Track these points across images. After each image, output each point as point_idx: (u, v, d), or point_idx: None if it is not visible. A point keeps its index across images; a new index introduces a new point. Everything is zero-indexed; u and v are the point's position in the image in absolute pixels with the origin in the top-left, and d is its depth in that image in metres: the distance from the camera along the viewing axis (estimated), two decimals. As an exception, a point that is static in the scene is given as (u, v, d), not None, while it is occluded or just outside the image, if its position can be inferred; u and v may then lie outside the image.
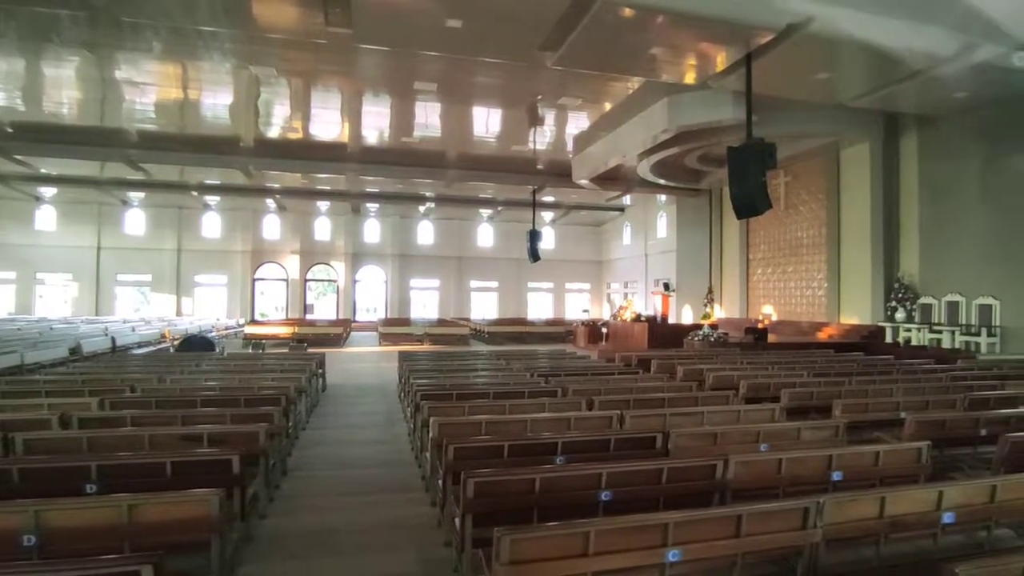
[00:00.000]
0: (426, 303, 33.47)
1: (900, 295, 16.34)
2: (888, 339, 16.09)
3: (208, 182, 25.41)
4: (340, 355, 18.22)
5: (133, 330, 19.57)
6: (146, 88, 15.11)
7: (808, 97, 13.90)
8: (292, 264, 32.02)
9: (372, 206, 31.05)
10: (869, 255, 17.15)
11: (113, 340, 16.92)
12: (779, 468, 4.07)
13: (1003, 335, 14.20)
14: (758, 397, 7.17)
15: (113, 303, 30.22)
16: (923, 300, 15.97)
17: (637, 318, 19.79)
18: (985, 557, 2.70)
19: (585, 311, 27.73)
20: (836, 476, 4.13)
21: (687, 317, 24.72)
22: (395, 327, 24.20)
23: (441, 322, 26.52)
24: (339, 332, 22.99)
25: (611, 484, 3.72)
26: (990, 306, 14.51)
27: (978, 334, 14.40)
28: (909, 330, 15.84)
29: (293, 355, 12.81)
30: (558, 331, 25.57)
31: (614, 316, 21.87)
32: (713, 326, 17.42)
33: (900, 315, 16.16)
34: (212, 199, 29.21)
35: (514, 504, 3.63)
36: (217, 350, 14.69)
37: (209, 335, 19.45)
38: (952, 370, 9.40)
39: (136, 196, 28.50)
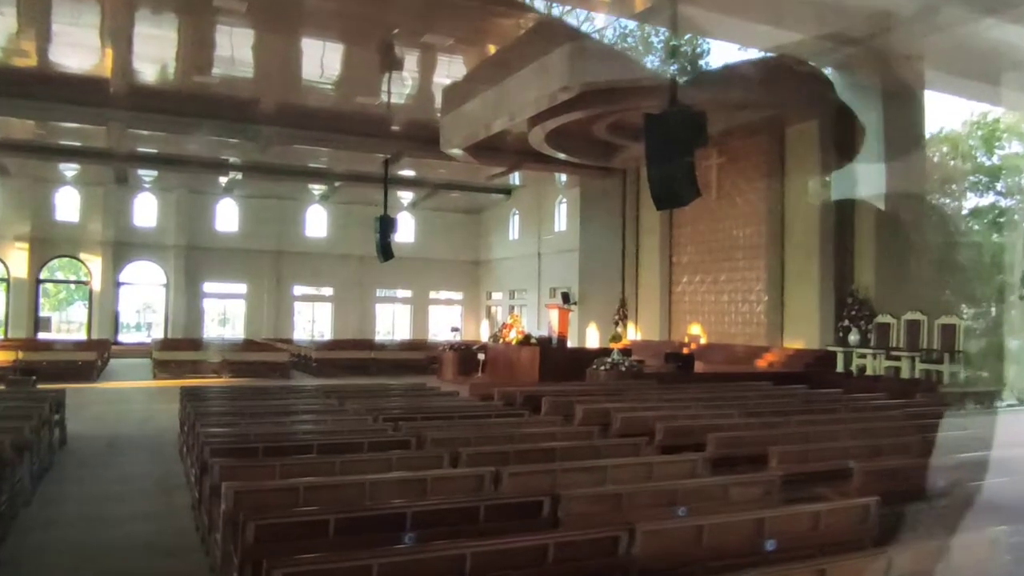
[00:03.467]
0: (228, 317, 33.06)
1: (853, 312, 17.88)
2: (839, 367, 17.55)
3: None
4: (92, 392, 17.66)
5: None
6: None
7: (747, 51, 15.14)
8: (16, 258, 29.64)
9: (147, 174, 29.72)
10: (817, 261, 18.50)
11: None
12: (699, 537, 4.31)
13: (967, 361, 15.73)
14: (678, 445, 7.68)
15: None
16: (880, 319, 17.51)
17: (526, 340, 20.11)
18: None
19: (455, 330, 27.82)
20: (769, 545, 4.46)
21: (592, 339, 25.64)
22: (179, 352, 23.86)
23: (249, 345, 26.31)
24: (91, 359, 22.15)
25: (478, 569, 3.76)
26: (954, 326, 16.02)
27: (940, 360, 15.90)
28: (863, 356, 17.31)
29: (12, 394, 12.10)
30: (417, 358, 25.98)
31: (495, 337, 22.36)
32: (625, 351, 18.21)
33: (853, 337, 17.65)
34: None
35: (341, 604, 3.61)
36: None
37: None
38: (909, 405, 10.43)
39: None
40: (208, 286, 32.44)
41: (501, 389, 12.39)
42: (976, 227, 16.04)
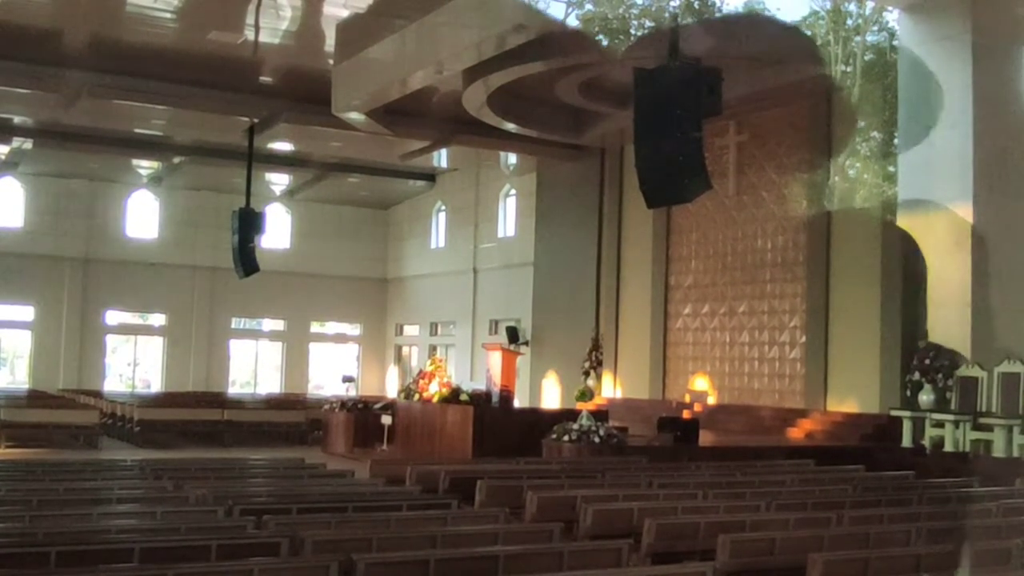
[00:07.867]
0: (5, 356, 31.68)
1: (928, 361, 16.31)
2: (907, 440, 16.47)
3: None
4: None
5: None
6: None
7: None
8: None
9: None
10: (879, 286, 17.71)
11: None
12: None
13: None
14: (676, 551, 7.69)
15: None
16: (964, 371, 16.01)
17: (453, 396, 18.68)
18: None
19: (349, 380, 25.83)
20: None
21: (551, 396, 24.82)
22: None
23: (38, 399, 24.12)
24: None
25: None
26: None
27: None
28: (941, 424, 16.05)
29: None
30: (292, 421, 23.77)
31: (408, 392, 20.78)
32: (599, 414, 17.46)
33: (926, 397, 16.17)
34: None
35: None
36: None
37: None
38: (1008, 495, 10.09)
39: None
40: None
41: (417, 468, 11.57)
42: None
